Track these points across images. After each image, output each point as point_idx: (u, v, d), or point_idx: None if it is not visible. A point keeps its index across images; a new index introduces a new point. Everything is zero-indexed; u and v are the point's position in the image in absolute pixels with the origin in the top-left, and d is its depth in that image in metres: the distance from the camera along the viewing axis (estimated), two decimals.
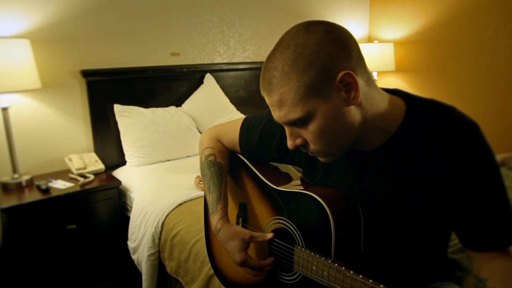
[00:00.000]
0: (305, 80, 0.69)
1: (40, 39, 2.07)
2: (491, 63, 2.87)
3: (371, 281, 0.71)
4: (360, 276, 0.73)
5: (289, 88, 0.70)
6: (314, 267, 0.83)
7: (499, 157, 2.25)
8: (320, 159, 0.81)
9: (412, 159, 0.77)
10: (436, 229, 0.85)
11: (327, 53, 0.68)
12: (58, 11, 2.11)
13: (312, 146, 0.76)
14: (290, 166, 1.12)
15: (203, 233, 1.27)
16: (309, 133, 0.74)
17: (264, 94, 0.76)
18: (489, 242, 0.76)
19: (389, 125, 0.78)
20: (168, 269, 1.66)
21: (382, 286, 0.70)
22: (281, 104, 0.72)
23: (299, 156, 0.97)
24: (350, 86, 0.70)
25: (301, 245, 0.88)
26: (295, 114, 0.71)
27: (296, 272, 0.91)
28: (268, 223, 0.99)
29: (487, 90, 2.91)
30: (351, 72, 0.69)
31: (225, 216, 1.01)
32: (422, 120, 0.76)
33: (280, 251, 0.95)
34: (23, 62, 1.85)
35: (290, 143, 0.77)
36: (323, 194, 0.84)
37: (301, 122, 0.73)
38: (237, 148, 1.10)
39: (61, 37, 2.14)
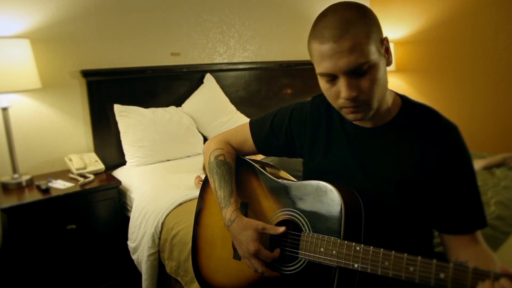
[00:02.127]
0: (371, 31, 0.80)
1: (40, 39, 2.07)
2: (491, 63, 2.87)
3: (382, 249, 0.77)
4: (371, 247, 0.79)
5: (362, 34, 0.79)
6: (322, 249, 0.87)
7: (499, 157, 2.25)
8: (357, 115, 0.86)
9: (405, 142, 0.90)
10: (423, 214, 0.92)
11: (378, 21, 0.84)
12: (58, 11, 2.11)
13: (365, 96, 0.83)
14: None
15: None
16: (367, 81, 0.81)
17: (329, 42, 0.79)
18: (462, 226, 0.88)
19: (391, 108, 0.92)
20: (168, 269, 1.66)
21: (393, 252, 0.76)
22: (353, 48, 0.78)
23: (302, 139, 1.06)
24: (387, 50, 0.85)
25: (308, 231, 0.92)
26: (365, 58, 0.79)
27: (299, 261, 0.93)
28: (273, 216, 1.02)
29: (487, 90, 2.91)
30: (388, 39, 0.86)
31: (238, 209, 1.04)
32: (415, 114, 0.91)
33: (285, 240, 0.97)
34: (23, 62, 1.85)
35: (347, 93, 0.82)
36: (331, 183, 0.91)
37: (367, 67, 0.80)
38: (247, 145, 1.17)
39: (61, 37, 2.14)
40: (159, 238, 1.72)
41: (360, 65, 0.79)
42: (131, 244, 1.90)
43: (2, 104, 1.89)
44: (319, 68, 0.83)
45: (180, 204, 1.76)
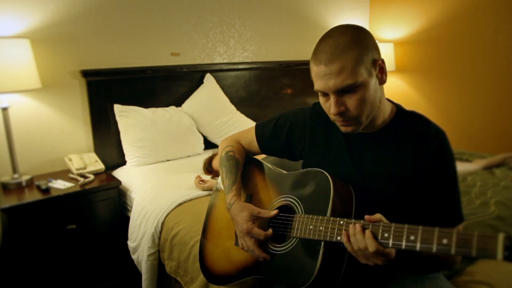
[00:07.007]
0: (362, 55, 0.90)
1: (40, 39, 2.07)
2: (491, 63, 2.87)
3: (362, 221, 0.86)
4: (353, 219, 0.88)
5: (351, 58, 0.89)
6: (311, 227, 0.95)
7: (499, 157, 2.24)
8: (347, 128, 0.98)
9: (398, 145, 1.00)
10: (414, 208, 1.00)
11: (373, 44, 0.94)
12: (58, 11, 2.11)
13: (352, 112, 0.94)
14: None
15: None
16: (354, 99, 0.92)
17: (321, 64, 0.92)
18: (441, 221, 0.93)
19: (387, 115, 1.03)
20: (168, 269, 1.66)
21: (371, 224, 0.83)
22: (340, 71, 0.89)
23: (302, 143, 1.17)
24: (382, 70, 0.96)
25: (301, 213, 1.02)
26: (352, 79, 0.89)
27: (291, 241, 1.02)
28: (273, 202, 1.14)
29: (487, 90, 2.91)
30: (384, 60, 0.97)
31: (238, 194, 1.18)
32: (407, 120, 1.02)
33: (280, 223, 1.08)
34: (23, 62, 1.86)
35: (335, 110, 0.93)
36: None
37: (352, 89, 0.91)
38: (253, 145, 1.31)
39: (61, 37, 2.14)
40: (159, 238, 1.72)
41: (347, 86, 0.90)
42: (131, 244, 1.90)
43: (2, 104, 1.89)
44: (315, 85, 0.96)
45: (180, 204, 1.76)
